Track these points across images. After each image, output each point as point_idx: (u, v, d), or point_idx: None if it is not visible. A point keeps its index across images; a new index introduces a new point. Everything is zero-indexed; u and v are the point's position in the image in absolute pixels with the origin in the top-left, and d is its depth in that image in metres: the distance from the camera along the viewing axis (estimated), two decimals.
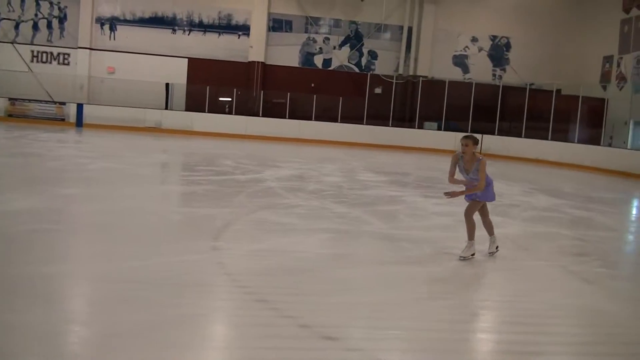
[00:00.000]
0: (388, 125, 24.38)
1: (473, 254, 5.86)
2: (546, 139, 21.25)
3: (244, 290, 4.53)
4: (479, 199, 5.93)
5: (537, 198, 11.39)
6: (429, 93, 24.57)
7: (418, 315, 4.33)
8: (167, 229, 6.45)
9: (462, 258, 5.85)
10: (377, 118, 24.36)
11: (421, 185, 12.56)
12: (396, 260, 5.74)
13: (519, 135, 22.61)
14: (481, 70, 26.31)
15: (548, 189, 13.11)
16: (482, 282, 5.51)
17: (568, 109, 22.07)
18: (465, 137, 5.86)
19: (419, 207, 9.23)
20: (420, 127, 24.55)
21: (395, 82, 25.07)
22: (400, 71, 25.83)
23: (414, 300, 4.61)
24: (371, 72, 25.68)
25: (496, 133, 23.35)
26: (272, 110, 24.06)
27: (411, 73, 25.65)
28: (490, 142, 22.86)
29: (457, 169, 5.94)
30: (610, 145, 21.57)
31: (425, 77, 25.22)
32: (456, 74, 26.05)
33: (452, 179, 5.97)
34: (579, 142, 20.73)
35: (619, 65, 23.28)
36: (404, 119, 25.14)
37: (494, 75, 26.56)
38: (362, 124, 24.02)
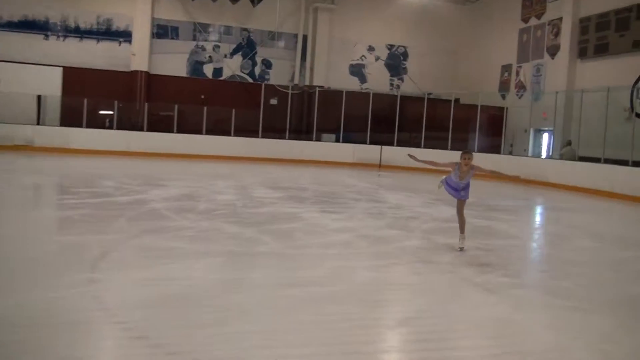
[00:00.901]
0: (284, 138, 24.47)
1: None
2: (446, 148, 21.88)
3: (123, 327, 4.35)
4: (463, 198, 7.64)
5: (439, 209, 11.69)
6: (326, 104, 24.88)
7: (320, 339, 4.29)
8: (38, 261, 6.17)
9: (460, 249, 7.43)
10: (273, 131, 24.46)
11: (319, 201, 12.71)
12: (293, 282, 5.73)
13: (418, 146, 23.25)
14: (379, 80, 27.01)
15: (449, 199, 13.10)
16: (385, 299, 5.53)
17: (467, 118, 23.00)
18: (467, 152, 7.48)
19: (317, 223, 9.31)
20: (318, 139, 24.79)
21: (291, 93, 25.21)
22: (296, 81, 26.15)
23: (314, 324, 4.58)
24: (265, 82, 25.74)
25: (395, 144, 24.04)
26: (159, 124, 23.56)
27: (307, 83, 26.02)
28: (390, 153, 23.62)
29: (452, 175, 7.57)
30: (511, 153, 22.68)
31: (322, 87, 25.56)
32: (353, 84, 26.59)
33: (427, 160, 7.94)
34: (479, 150, 21.52)
35: (517, 73, 24.66)
36: (301, 131, 25.38)
37: (392, 85, 27.37)
38: (257, 137, 23.94)
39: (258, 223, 8.86)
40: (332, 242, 7.78)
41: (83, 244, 6.99)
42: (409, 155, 8.31)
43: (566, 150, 19.83)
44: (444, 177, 8.43)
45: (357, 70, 27.09)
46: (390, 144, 24.15)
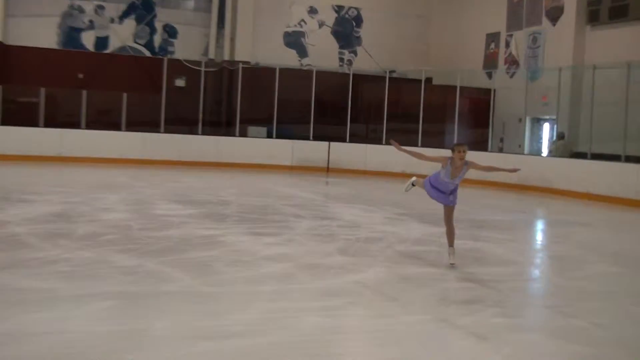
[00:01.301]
0: (197, 133, 24.56)
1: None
2: (415, 144, 22.05)
3: None
4: (452, 203, 8.52)
5: (407, 226, 11.93)
6: (254, 86, 24.98)
7: None
8: None
9: (452, 264, 8.39)
10: (181, 123, 24.43)
11: (247, 219, 12.68)
12: (212, 333, 5.68)
13: (378, 142, 23.75)
14: (324, 54, 27.19)
15: (421, 212, 13.69)
16: (341, 352, 5.49)
17: (443, 103, 23.61)
18: (461, 144, 8.30)
19: (245, 250, 9.37)
20: (243, 134, 24.94)
21: (205, 71, 25.21)
22: (211, 55, 26.08)
23: None
24: (169, 56, 25.69)
25: (347, 139, 24.53)
26: (18, 115, 23.13)
27: (227, 58, 25.98)
28: (340, 152, 24.02)
29: (441, 173, 8.37)
30: (501, 150, 23.51)
31: (247, 63, 25.59)
32: (290, 59, 26.72)
33: (413, 151, 8.62)
34: None
35: (507, 45, 25.07)
36: (220, 124, 25.41)
37: (342, 60, 27.71)
38: (159, 131, 23.96)
39: (162, 251, 8.86)
40: (265, 276, 7.81)
41: None
42: (390, 141, 9.16)
43: (558, 145, 20.40)
44: (413, 177, 9.54)
45: (294, 41, 27.31)
46: (341, 139, 24.43)
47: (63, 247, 8.89)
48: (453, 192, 8.60)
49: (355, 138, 24.65)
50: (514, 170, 9.69)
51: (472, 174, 8.82)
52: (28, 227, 10.23)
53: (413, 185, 9.80)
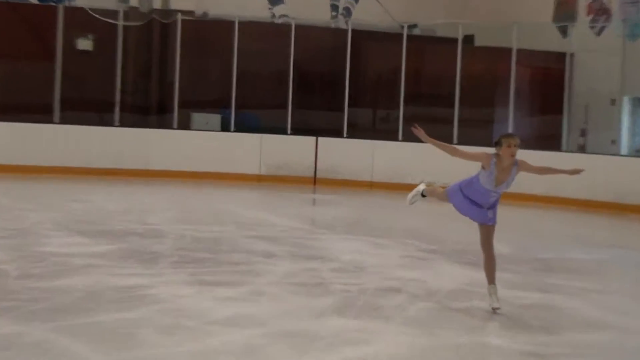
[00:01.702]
0: (112, 124, 24.60)
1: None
2: (448, 139, 21.26)
3: None
4: (492, 222, 8.92)
5: (436, 270, 11.99)
6: (201, 50, 25.18)
7: None
8: None
9: (494, 309, 8.73)
10: (86, 108, 24.37)
11: (190, 259, 12.37)
12: None
13: (393, 137, 23.63)
14: (308, 0, 27.16)
15: (456, 247, 13.92)
16: None
17: (490, 75, 24.17)
18: (511, 135, 9.03)
19: (187, 308, 9.13)
20: (185, 125, 25.23)
21: (125, 27, 25.02)
22: (134, 3, 25.99)
23: None
24: (68, 3, 25.50)
25: (345, 133, 24.43)
26: None
27: (158, 6, 25.88)
28: (334, 152, 23.99)
29: (480, 177, 8.71)
30: (583, 148, 23.36)
31: (190, 14, 25.50)
32: (256, 8, 26.47)
33: (443, 144, 9.32)
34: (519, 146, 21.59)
35: None
36: (148, 109, 25.46)
37: (335, 8, 27.59)
38: (52, 121, 23.67)
39: (57, 312, 8.69)
40: (219, 351, 7.64)
41: None
42: (414, 128, 9.61)
43: None
44: (422, 185, 10.44)
45: None
46: (336, 132, 24.49)
47: None
48: (494, 205, 8.97)
49: (357, 131, 24.59)
50: (576, 172, 9.70)
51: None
52: None
53: (423, 195, 10.29)
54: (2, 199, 18.25)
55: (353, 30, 25.30)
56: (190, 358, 7.38)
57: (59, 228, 14.50)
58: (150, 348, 7.58)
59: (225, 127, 25.11)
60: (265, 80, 25.39)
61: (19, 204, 17.50)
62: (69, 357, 7.11)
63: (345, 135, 24.43)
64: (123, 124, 24.77)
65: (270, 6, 27.22)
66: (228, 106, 24.86)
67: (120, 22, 25.12)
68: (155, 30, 25.67)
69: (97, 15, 24.69)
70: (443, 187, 11.37)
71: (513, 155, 8.52)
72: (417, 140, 10.41)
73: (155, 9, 25.94)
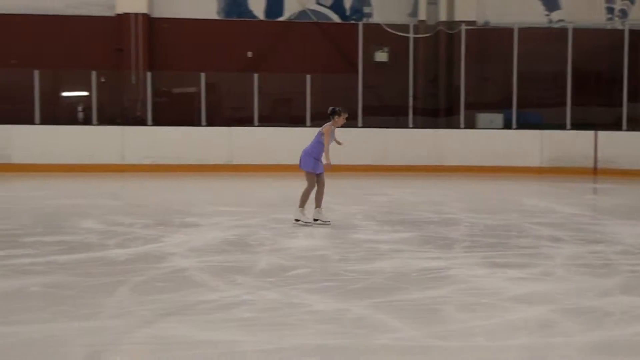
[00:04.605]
0: (406, 126, 25.15)
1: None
2: None
3: None
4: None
5: None
6: (483, 55, 25.51)
7: None
8: None
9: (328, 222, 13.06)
10: (384, 112, 25.17)
11: (482, 244, 12.51)
12: None
13: None
14: (583, 3, 27.00)
15: None
16: None
17: None
18: (346, 111, 13.09)
19: (483, 288, 9.13)
20: (470, 124, 25.43)
21: (415, 38, 25.53)
22: (422, 17, 26.66)
23: None
24: (365, 21, 26.28)
25: (624, 126, 24.27)
26: (171, 111, 24.56)
27: (443, 19, 26.32)
28: (613, 145, 23.88)
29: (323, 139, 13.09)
30: None
31: (473, 23, 25.85)
32: (533, 14, 26.86)
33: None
34: None
35: None
36: (437, 112, 25.91)
37: (611, 10, 27.29)
38: (356, 125, 24.26)
39: (371, 290, 8.92)
40: (514, 325, 7.57)
41: (51, 339, 6.96)
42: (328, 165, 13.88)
43: None
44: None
45: None
46: (615, 126, 24.43)
47: (242, 285, 9.15)
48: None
49: (634, 123, 24.16)
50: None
51: None
52: (196, 260, 10.63)
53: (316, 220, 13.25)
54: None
55: (630, 31, 25.09)
56: (488, 332, 7.27)
57: (367, 218, 14.90)
58: (454, 323, 7.56)
59: (507, 125, 25.21)
60: (544, 81, 25.17)
61: (331, 198, 17.30)
62: (386, 330, 7.27)
63: (624, 128, 24.04)
64: (416, 125, 25.27)
65: (547, 12, 27.23)
66: (510, 106, 24.98)
67: (411, 35, 25.78)
68: (442, 40, 26.38)
69: (391, 30, 25.68)
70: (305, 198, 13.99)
71: (342, 125, 13.07)
72: None
73: (441, 21, 26.59)
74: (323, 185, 13.77)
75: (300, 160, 13.74)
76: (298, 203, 13.73)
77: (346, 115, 13.60)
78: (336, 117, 13.40)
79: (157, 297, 8.58)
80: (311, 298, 8.55)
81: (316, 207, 13.68)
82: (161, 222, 14.22)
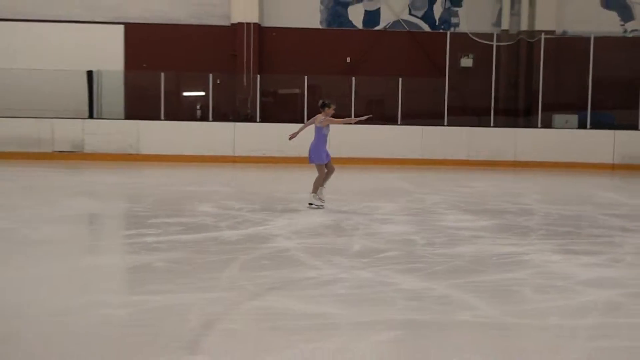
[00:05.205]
0: (488, 125, 24.99)
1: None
2: None
3: None
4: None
5: None
6: (560, 62, 25.22)
7: None
8: (103, 338, 6.40)
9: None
10: (468, 112, 25.08)
11: (556, 233, 12.55)
12: None
13: None
14: None
15: None
16: None
17: None
18: (334, 103, 13.84)
19: (557, 272, 9.21)
20: (547, 124, 25.15)
21: (497, 46, 25.64)
22: (505, 26, 26.50)
23: None
24: (453, 30, 26.40)
25: None
26: (277, 110, 24.97)
27: (524, 28, 26.21)
28: None
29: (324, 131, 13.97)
30: None
31: (552, 32, 25.66)
32: (609, 24, 26.57)
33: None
34: None
35: None
36: (517, 112, 25.83)
37: None
38: (442, 124, 24.61)
39: (453, 272, 9.11)
40: (585, 306, 7.64)
41: (172, 308, 7.32)
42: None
43: None
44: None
45: (614, 1, 26.92)
46: None
47: (338, 265, 9.29)
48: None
49: None
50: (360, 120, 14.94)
51: None
52: (297, 242, 10.84)
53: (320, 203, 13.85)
54: (408, 186, 19.05)
55: None
56: (561, 311, 7.34)
57: (451, 207, 15.03)
58: (529, 303, 7.74)
59: (581, 125, 25.04)
60: (617, 85, 24.59)
61: (418, 189, 18.31)
62: (466, 307, 7.41)
63: None
64: (497, 124, 25.26)
65: (622, 22, 26.94)
66: (585, 108, 24.72)
67: (495, 43, 25.77)
68: (522, 48, 26.33)
69: (476, 38, 25.85)
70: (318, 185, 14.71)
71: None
72: None
73: (522, 31, 26.48)
74: (332, 171, 14.73)
75: (309, 156, 14.63)
76: (311, 189, 14.45)
77: (334, 107, 14.61)
78: (327, 108, 14.47)
79: (263, 274, 8.78)
80: (400, 277, 8.66)
81: (320, 188, 14.58)
82: (266, 208, 14.39)
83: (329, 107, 14.46)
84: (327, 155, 14.58)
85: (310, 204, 14.28)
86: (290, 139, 14.67)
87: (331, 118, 14.52)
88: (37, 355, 5.96)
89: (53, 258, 9.87)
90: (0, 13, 26.18)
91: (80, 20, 26.14)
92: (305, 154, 14.58)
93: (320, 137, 14.52)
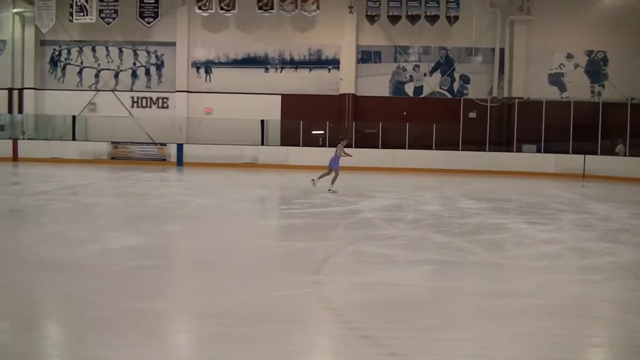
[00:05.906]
0: (485, 150, 28.65)
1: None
2: None
3: (348, 326, 5.54)
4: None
5: None
6: (526, 114, 28.92)
7: (530, 353, 5.10)
8: (267, 264, 8.04)
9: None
10: (473, 143, 28.94)
11: (524, 212, 14.48)
12: (505, 293, 6.82)
13: (623, 155, 25.59)
14: (578, 88, 30.59)
15: None
16: (597, 315, 6.44)
17: None
18: (346, 139, 16.84)
19: (525, 234, 10.82)
20: (519, 150, 28.66)
21: (490, 106, 29.99)
22: (495, 94, 30.29)
23: (527, 336, 5.47)
24: (464, 96, 30.66)
25: (599, 152, 27.12)
26: (365, 141, 29.37)
27: (506, 95, 29.81)
28: (594, 163, 27.02)
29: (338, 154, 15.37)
30: None
31: (521, 98, 29.53)
32: (553, 93, 30.32)
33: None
34: None
35: None
36: (501, 143, 29.17)
37: (592, 92, 30.94)
38: (458, 149, 28.30)
39: (466, 233, 10.57)
40: (541, 254, 9.06)
41: (306, 249, 9.02)
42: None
43: None
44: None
45: (556, 80, 31.20)
46: (594, 152, 27.15)
47: (398, 227, 11.04)
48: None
49: (604, 151, 28.05)
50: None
51: None
52: (375, 214, 12.73)
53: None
54: (439, 184, 22.03)
55: (602, 102, 29.38)
56: (527, 257, 8.72)
57: (463, 196, 17.68)
58: (509, 251, 9.48)
59: (538, 151, 29.88)
60: (558, 128, 29.89)
61: (445, 186, 21.25)
62: (473, 253, 9.01)
63: (598, 154, 28.30)
64: (490, 150, 30.99)
65: (560, 93, 31.99)
66: (540, 141, 30.01)
67: (489, 104, 31.11)
68: (504, 106, 31.60)
69: (477, 101, 31.13)
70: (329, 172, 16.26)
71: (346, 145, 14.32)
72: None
73: (505, 97, 31.86)
74: (337, 175, 17.10)
75: (330, 165, 17.48)
76: (330, 184, 16.98)
77: (347, 141, 16.93)
78: (342, 141, 16.80)
79: (356, 232, 10.58)
80: (434, 235, 10.39)
81: (324, 179, 16.74)
82: (357, 194, 16.85)
83: (343, 140, 17.36)
84: (338, 165, 17.08)
85: (329, 189, 16.77)
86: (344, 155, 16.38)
87: (343, 148, 17.19)
88: (239, 268, 7.70)
89: (243, 220, 12.19)
90: (215, 89, 33.25)
91: (258, 92, 32.52)
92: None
93: (337, 157, 17.22)
